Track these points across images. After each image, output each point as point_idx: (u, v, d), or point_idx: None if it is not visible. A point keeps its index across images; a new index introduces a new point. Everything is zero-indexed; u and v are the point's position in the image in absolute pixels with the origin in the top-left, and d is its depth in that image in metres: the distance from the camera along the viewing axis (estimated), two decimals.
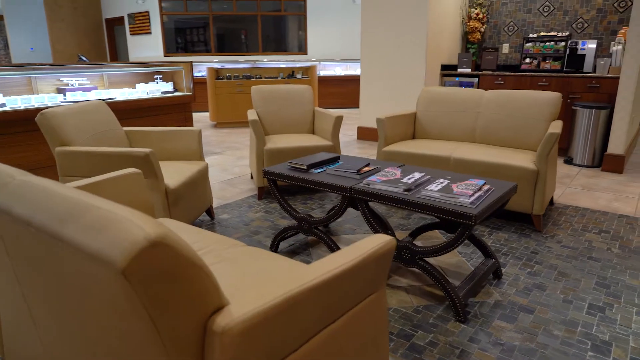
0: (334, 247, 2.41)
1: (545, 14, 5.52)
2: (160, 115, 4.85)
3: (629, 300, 2.18)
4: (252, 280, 1.35)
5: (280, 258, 1.57)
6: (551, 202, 3.50)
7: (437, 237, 2.92)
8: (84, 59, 7.31)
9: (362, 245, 1.18)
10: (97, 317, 0.86)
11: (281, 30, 10.75)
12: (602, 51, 5.18)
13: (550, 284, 2.32)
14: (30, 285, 1.06)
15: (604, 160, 4.45)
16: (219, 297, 0.85)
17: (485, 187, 2.11)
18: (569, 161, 4.79)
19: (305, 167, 2.51)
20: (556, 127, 3.02)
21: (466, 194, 1.98)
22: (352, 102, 9.78)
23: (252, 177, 4.34)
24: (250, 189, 4.00)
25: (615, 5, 5.06)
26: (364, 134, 6.14)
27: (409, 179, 2.23)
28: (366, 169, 2.47)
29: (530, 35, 5.37)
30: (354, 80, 9.69)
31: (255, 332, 0.87)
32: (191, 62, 5.04)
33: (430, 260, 2.56)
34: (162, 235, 0.73)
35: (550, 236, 2.92)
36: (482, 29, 5.89)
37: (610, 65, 4.75)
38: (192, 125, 5.30)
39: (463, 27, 6.08)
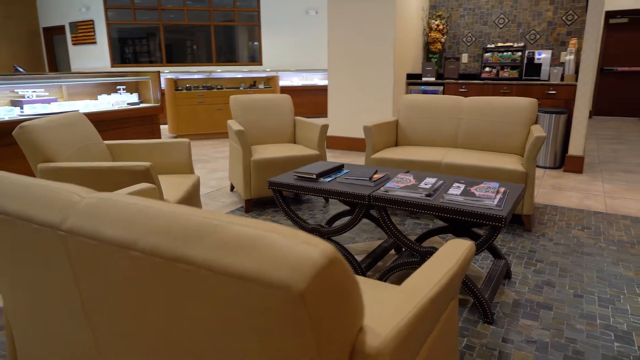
0: (350, 258, 2.36)
1: (501, 26, 5.86)
2: (126, 127, 4.58)
3: (631, 290, 2.31)
4: None
5: None
6: None
7: (439, 242, 2.95)
8: (21, 70, 6.76)
9: (449, 254, 1.15)
10: (227, 341, 0.76)
11: (233, 40, 10.59)
12: (554, 61, 5.57)
13: (557, 280, 2.41)
14: (109, 311, 0.93)
15: (566, 162, 4.76)
16: (363, 315, 0.79)
17: (502, 190, 2.17)
18: None
19: (314, 177, 2.45)
20: (540, 131, 3.19)
21: (490, 196, 2.02)
22: (311, 111, 9.80)
23: (232, 190, 4.19)
24: (233, 202, 3.86)
25: (563, 18, 5.46)
26: (334, 142, 6.15)
27: (426, 184, 2.24)
28: (377, 176, 2.45)
29: (489, 46, 5.67)
30: (312, 90, 9.73)
31: (398, 350, 0.81)
32: (158, 72, 4.81)
33: None
34: (335, 251, 0.67)
35: (540, 235, 3.05)
36: (443, 40, 6.13)
37: (563, 73, 5.10)
38: (159, 137, 5.05)
39: (424, 38, 6.30)
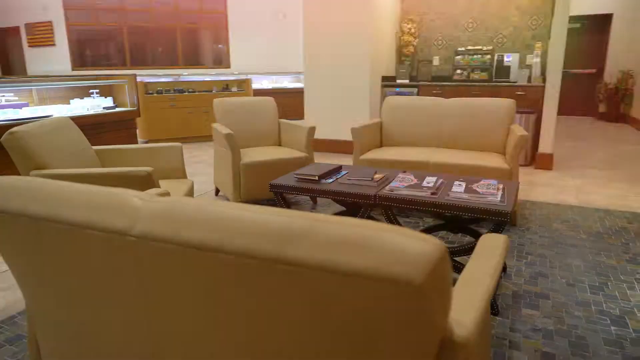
0: None
1: (470, 30, 6.08)
2: (103, 132, 4.42)
3: (616, 277, 2.47)
4: None
5: None
6: None
7: None
8: None
9: (491, 248, 1.20)
10: (328, 339, 0.77)
11: (199, 43, 10.42)
12: (521, 63, 5.83)
13: (549, 272, 2.55)
14: (181, 315, 0.92)
15: (537, 159, 5.00)
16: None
17: (501, 186, 2.27)
18: None
19: (317, 178, 2.47)
20: (521, 130, 3.34)
21: (492, 193, 2.11)
22: (283, 114, 9.76)
23: (216, 194, 4.13)
24: None
25: (529, 23, 5.74)
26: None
27: (428, 183, 2.31)
28: (378, 176, 2.50)
29: (459, 49, 5.87)
30: (283, 93, 9.70)
31: (479, 339, 0.85)
32: (134, 75, 4.67)
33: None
34: (444, 246, 0.69)
35: (525, 229, 3.20)
36: (415, 43, 6.30)
37: (530, 75, 5.36)
38: (136, 142, 4.91)
39: (397, 41, 6.44)
